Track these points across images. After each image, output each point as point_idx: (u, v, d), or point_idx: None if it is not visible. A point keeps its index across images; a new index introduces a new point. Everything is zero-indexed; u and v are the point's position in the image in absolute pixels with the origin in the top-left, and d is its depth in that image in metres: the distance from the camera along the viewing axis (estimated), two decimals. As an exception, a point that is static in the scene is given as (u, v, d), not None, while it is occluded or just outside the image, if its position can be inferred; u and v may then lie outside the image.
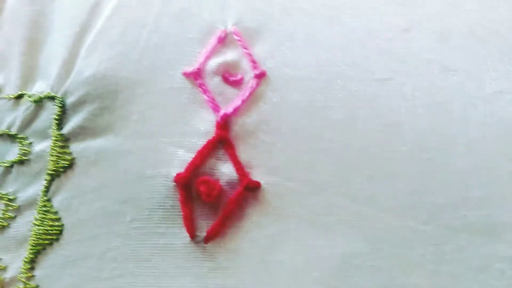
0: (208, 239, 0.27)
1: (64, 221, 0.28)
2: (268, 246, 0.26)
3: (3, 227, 0.29)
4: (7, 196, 0.29)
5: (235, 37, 0.29)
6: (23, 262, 0.28)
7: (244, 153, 0.28)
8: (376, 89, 0.28)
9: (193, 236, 0.27)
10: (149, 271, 0.27)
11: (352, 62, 0.28)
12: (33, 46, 0.31)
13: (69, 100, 0.29)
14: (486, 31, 0.28)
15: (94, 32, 0.30)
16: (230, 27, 0.29)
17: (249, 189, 0.27)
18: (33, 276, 0.27)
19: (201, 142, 0.28)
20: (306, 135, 0.28)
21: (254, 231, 0.27)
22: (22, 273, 0.28)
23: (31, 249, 0.28)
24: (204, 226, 0.27)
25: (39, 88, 0.30)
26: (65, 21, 0.30)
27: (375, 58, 0.28)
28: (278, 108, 0.28)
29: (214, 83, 0.29)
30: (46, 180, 0.29)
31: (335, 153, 0.27)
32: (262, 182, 0.27)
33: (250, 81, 0.29)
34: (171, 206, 0.27)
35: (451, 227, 0.25)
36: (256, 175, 0.27)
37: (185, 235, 0.27)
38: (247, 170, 0.28)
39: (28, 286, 0.27)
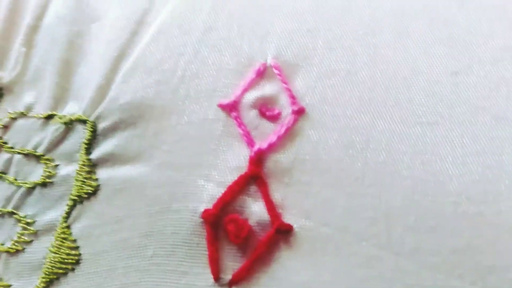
0: (233, 283, 0.25)
1: (82, 250, 0.26)
2: None
3: (17, 251, 0.27)
4: (25, 220, 0.27)
5: (275, 71, 0.28)
6: (35, 291, 0.26)
7: (277, 192, 0.26)
8: (421, 133, 0.26)
9: (217, 278, 0.25)
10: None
11: (395, 102, 0.27)
12: (68, 67, 0.30)
13: (101, 125, 0.28)
14: None
15: (132, 58, 0.29)
16: (270, 61, 0.29)
17: (281, 232, 0.25)
18: (43, 307, 0.26)
19: (232, 177, 0.26)
20: (345, 178, 0.26)
21: (284, 277, 0.25)
22: (32, 303, 0.26)
23: (43, 278, 0.26)
24: (229, 268, 0.25)
25: (70, 110, 0.29)
26: (103, 44, 0.30)
27: (420, 100, 0.27)
28: (316, 146, 0.27)
29: (250, 116, 0.28)
30: (68, 205, 0.27)
31: (375, 199, 0.25)
32: (294, 225, 0.25)
33: (288, 116, 0.27)
34: (197, 244, 0.25)
35: None
36: (289, 217, 0.26)
37: (208, 276, 0.25)
38: (279, 210, 0.26)
39: (37, 318, 0.26)
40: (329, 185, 0.26)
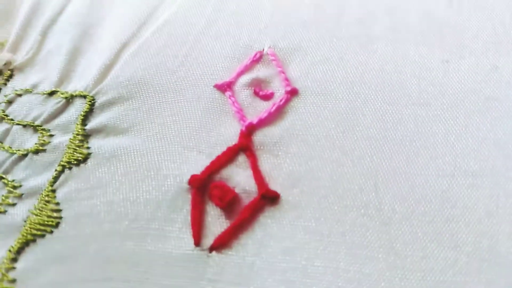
0: (213, 248, 0.24)
1: (64, 214, 0.26)
2: (280, 263, 0.23)
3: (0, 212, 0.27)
4: (12, 183, 0.27)
5: (270, 57, 0.30)
6: (8, 251, 0.25)
7: (265, 163, 0.26)
8: (413, 112, 0.27)
9: (198, 242, 0.24)
10: (143, 277, 0.23)
11: (387, 86, 0.28)
12: (77, 52, 0.32)
13: (100, 100, 0.29)
14: None
15: (137, 44, 0.31)
16: (267, 49, 0.30)
17: (267, 198, 0.25)
18: (13, 268, 0.24)
19: (221, 150, 0.26)
20: (334, 150, 0.26)
21: (267, 244, 0.23)
22: (3, 263, 0.25)
23: (20, 239, 0.25)
24: (212, 234, 0.24)
25: (73, 87, 0.30)
26: (112, 34, 0.32)
27: (412, 84, 0.28)
28: (307, 122, 0.27)
29: (244, 95, 0.28)
30: (56, 170, 0.27)
31: (365, 171, 0.25)
32: (281, 193, 0.25)
33: (280, 96, 0.28)
34: (180, 209, 0.25)
35: None
36: (276, 186, 0.25)
37: (189, 241, 0.24)
38: (266, 180, 0.25)
39: (5, 278, 0.24)
40: (318, 157, 0.26)
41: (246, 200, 0.25)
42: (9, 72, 0.32)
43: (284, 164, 0.26)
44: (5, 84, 0.32)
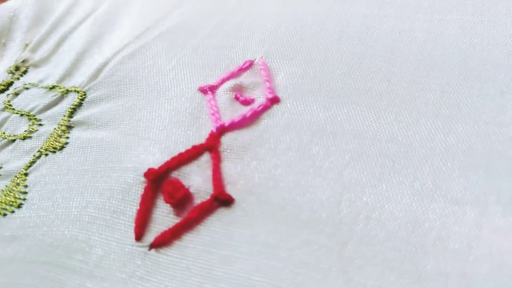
0: (154, 245, 0.22)
1: (28, 196, 0.26)
2: (220, 270, 0.21)
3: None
4: (-7, 165, 0.28)
5: (260, 67, 0.29)
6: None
7: (228, 166, 0.24)
8: (389, 120, 0.24)
9: (139, 238, 0.23)
10: (78, 265, 0.22)
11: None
12: (84, 53, 0.34)
13: (90, 95, 0.30)
14: None
15: (137, 46, 0.32)
16: (258, 59, 0.29)
17: (219, 201, 0.23)
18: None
19: (186, 148, 0.25)
20: (304, 159, 0.24)
21: (209, 250, 0.21)
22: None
23: (-16, 217, 0.26)
24: (156, 231, 0.23)
25: (72, 84, 0.32)
26: (119, 38, 0.34)
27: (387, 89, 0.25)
28: (281, 130, 0.25)
29: (224, 98, 0.28)
30: (34, 156, 0.28)
31: (330, 182, 0.22)
32: (236, 198, 0.23)
33: (260, 103, 0.27)
34: (131, 201, 0.24)
35: None
36: (233, 190, 0.23)
37: (131, 235, 0.23)
38: (224, 183, 0.24)
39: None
40: (283, 166, 0.24)
41: (199, 200, 0.23)
42: (24, 68, 0.34)
43: (247, 169, 0.24)
44: (18, 79, 0.34)
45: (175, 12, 0.34)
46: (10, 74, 0.34)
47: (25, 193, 0.26)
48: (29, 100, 0.32)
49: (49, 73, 0.33)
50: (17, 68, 0.35)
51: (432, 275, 0.19)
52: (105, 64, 0.31)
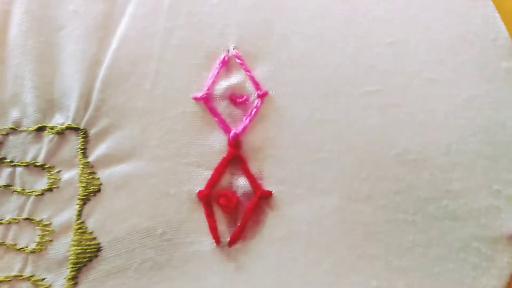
0: (231, 243, 0.31)
1: (100, 239, 0.31)
2: (282, 246, 0.31)
3: (41, 250, 0.31)
4: (42, 223, 0.31)
5: (237, 61, 0.32)
6: (66, 279, 0.31)
7: (254, 167, 0.32)
8: (367, 101, 0.32)
9: (218, 242, 0.31)
10: (184, 275, 0.31)
11: (344, 78, 0.32)
12: (44, 79, 0.32)
13: (92, 131, 0.32)
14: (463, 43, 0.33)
15: (105, 65, 0.32)
16: (232, 51, 0.33)
17: (263, 198, 0.31)
18: (77, 291, 0.31)
19: (216, 160, 0.32)
20: (307, 147, 0.32)
21: (269, 234, 0.31)
22: (67, 288, 0.31)
23: (72, 267, 0.31)
24: (227, 233, 0.31)
25: (59, 120, 0.32)
26: (74, 53, 0.32)
27: (364, 73, 0.32)
28: (280, 125, 0.32)
29: (223, 106, 0.32)
30: (78, 205, 0.31)
31: (334, 162, 0.32)
32: (273, 191, 0.31)
33: (254, 101, 0.32)
34: (197, 218, 0.31)
35: (435, 216, 0.31)
36: (267, 185, 0.32)
37: (211, 242, 0.31)
38: (259, 181, 0.32)
39: (75, 300, 0.31)
40: (295, 155, 0.32)
41: (246, 201, 0.32)
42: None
43: (270, 166, 0.32)
44: None
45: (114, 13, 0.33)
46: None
47: (94, 238, 0.31)
48: (22, 149, 0.32)
49: (19, 112, 0.32)
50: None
51: None
52: (86, 95, 0.32)
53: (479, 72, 0.32)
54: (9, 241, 0.31)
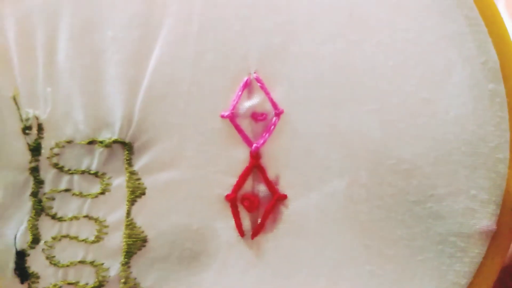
0: (253, 236, 0.38)
1: (147, 233, 0.38)
2: (294, 238, 0.38)
3: (99, 241, 0.39)
4: (98, 220, 0.38)
5: (258, 84, 0.38)
6: (121, 264, 0.39)
7: (272, 174, 0.38)
8: (368, 117, 0.38)
9: (243, 235, 0.38)
10: (216, 260, 0.38)
11: (350, 97, 0.37)
12: (92, 99, 0.37)
13: (136, 144, 0.37)
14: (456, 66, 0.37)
15: (144, 87, 0.37)
16: (253, 74, 0.37)
17: (279, 200, 0.38)
18: (130, 272, 0.39)
19: (241, 169, 0.38)
20: (316, 157, 0.38)
21: (283, 228, 0.38)
22: (122, 271, 0.39)
23: (125, 255, 0.38)
24: (250, 228, 0.38)
25: (106, 135, 0.38)
26: (116, 76, 0.37)
27: (367, 92, 0.38)
28: (293, 138, 0.38)
29: (246, 123, 0.38)
30: (127, 205, 0.38)
31: (339, 169, 0.38)
32: (287, 194, 0.38)
33: (272, 118, 0.38)
34: (226, 217, 0.38)
35: (420, 216, 0.38)
36: (283, 189, 0.38)
37: (237, 235, 0.38)
38: (276, 186, 0.38)
39: (129, 279, 0.39)
40: (306, 164, 0.38)
41: (266, 202, 0.38)
42: (38, 126, 0.38)
43: (285, 173, 0.38)
44: (42, 138, 0.38)
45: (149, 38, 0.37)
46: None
47: (143, 231, 0.38)
48: (77, 160, 0.38)
49: (73, 129, 0.37)
50: (28, 128, 0.38)
51: None
52: (128, 115, 0.37)
53: (468, 93, 0.37)
54: (72, 234, 0.39)
